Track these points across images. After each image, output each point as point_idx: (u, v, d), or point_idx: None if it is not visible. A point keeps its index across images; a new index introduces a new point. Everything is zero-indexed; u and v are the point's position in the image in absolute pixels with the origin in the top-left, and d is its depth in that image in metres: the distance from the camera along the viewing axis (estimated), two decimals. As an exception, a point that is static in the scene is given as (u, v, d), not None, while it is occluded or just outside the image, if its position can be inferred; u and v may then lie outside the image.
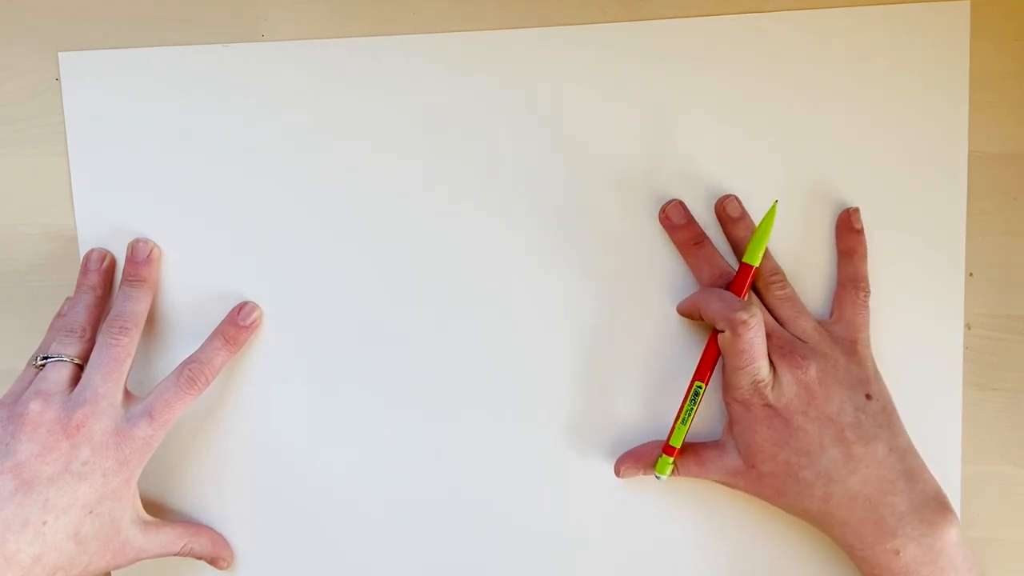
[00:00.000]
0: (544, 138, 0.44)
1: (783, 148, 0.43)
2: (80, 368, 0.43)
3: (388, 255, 0.45)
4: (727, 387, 0.41)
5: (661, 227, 0.44)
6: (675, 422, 0.42)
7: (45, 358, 0.42)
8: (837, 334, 0.42)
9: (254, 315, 0.45)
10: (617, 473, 0.44)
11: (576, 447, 0.45)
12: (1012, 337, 0.44)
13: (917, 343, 0.43)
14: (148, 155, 0.46)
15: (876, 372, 0.42)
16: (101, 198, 0.46)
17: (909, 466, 0.39)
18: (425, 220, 0.45)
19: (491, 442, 0.45)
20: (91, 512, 0.40)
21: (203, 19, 0.45)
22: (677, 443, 0.42)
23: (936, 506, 0.38)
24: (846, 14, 0.43)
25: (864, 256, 0.43)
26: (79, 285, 0.45)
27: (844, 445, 0.39)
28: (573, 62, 0.44)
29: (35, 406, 0.40)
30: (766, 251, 0.42)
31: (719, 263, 0.43)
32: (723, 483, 0.42)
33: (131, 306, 0.44)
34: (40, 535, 0.38)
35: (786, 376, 0.40)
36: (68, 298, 0.46)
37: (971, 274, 0.44)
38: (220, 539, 0.46)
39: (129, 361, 0.43)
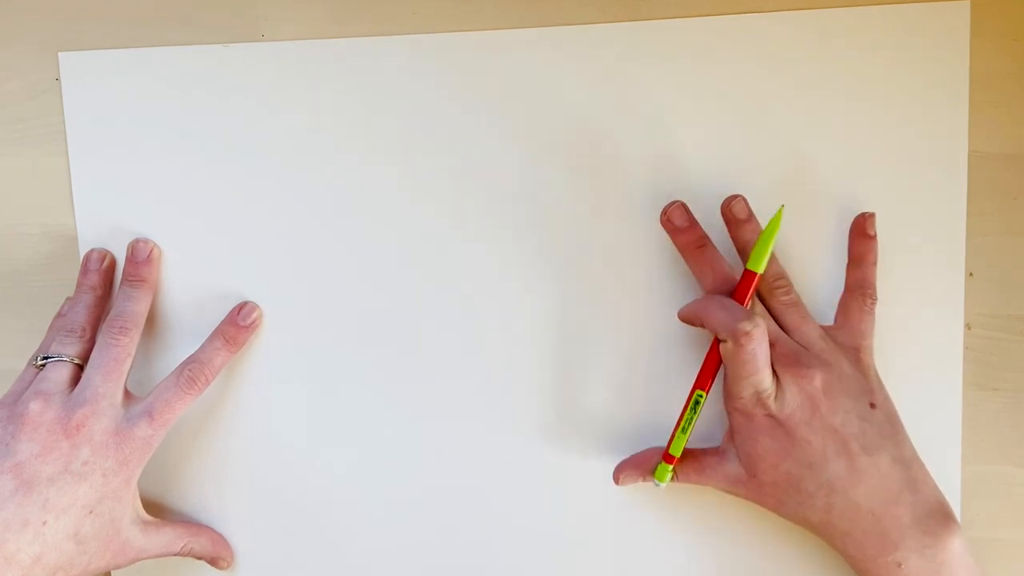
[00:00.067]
0: (544, 138, 0.44)
1: (783, 148, 0.43)
2: (80, 368, 0.43)
3: (388, 255, 0.45)
4: (728, 396, 0.40)
5: (662, 229, 0.43)
6: (675, 430, 0.41)
7: (45, 358, 0.42)
8: (841, 341, 0.41)
9: (254, 315, 0.45)
10: (616, 480, 0.43)
11: (576, 447, 0.45)
12: (1012, 337, 0.44)
13: (917, 343, 0.43)
14: (148, 155, 0.46)
15: (879, 381, 0.41)
16: (101, 198, 0.46)
17: (913, 476, 0.39)
18: (425, 220, 0.45)
19: (491, 443, 0.45)
20: (91, 512, 0.40)
21: (203, 19, 0.45)
22: (677, 452, 0.41)
23: (939, 517, 0.38)
24: (846, 14, 0.43)
25: (874, 263, 0.42)
26: (79, 285, 0.45)
27: (848, 457, 0.38)
28: (573, 62, 0.44)
29: (35, 406, 0.40)
30: (771, 255, 0.41)
31: (722, 267, 0.42)
32: (723, 490, 0.42)
33: (131, 306, 0.44)
34: (40, 535, 0.38)
35: (790, 386, 0.39)
36: (68, 298, 0.46)
37: (971, 274, 0.43)
38: (220, 539, 0.46)
39: (129, 361, 0.43)
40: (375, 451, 0.46)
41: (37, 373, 0.42)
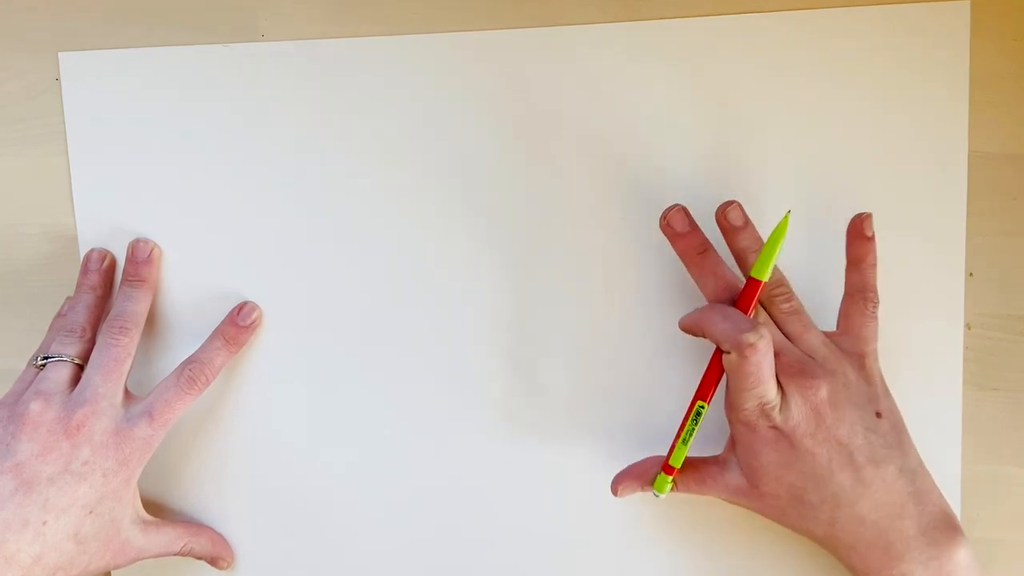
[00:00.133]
0: (544, 139, 0.44)
1: (783, 149, 0.43)
2: (80, 368, 0.43)
3: (388, 255, 0.45)
4: (731, 407, 0.39)
5: (662, 234, 0.42)
6: (675, 441, 0.40)
7: (45, 358, 0.42)
8: (845, 347, 0.40)
9: (254, 315, 0.45)
10: (614, 492, 0.43)
11: (578, 450, 0.45)
12: (1012, 337, 0.44)
13: (917, 343, 0.43)
14: (148, 155, 0.46)
15: (885, 387, 0.40)
16: (101, 198, 0.46)
17: (918, 487, 0.38)
18: (425, 220, 0.45)
19: (491, 443, 0.45)
20: (91, 512, 0.40)
21: (203, 19, 0.45)
22: (677, 463, 0.40)
23: (944, 528, 0.37)
24: (846, 14, 0.42)
25: (873, 265, 0.41)
26: (79, 285, 0.45)
27: (853, 469, 0.38)
28: (573, 62, 0.44)
29: (35, 406, 0.40)
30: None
31: (724, 274, 0.40)
32: (724, 500, 0.41)
33: (131, 306, 0.44)
34: (40, 535, 0.38)
35: (795, 397, 0.38)
36: (68, 298, 0.46)
37: (971, 274, 0.43)
38: (220, 539, 0.46)
39: (129, 361, 0.43)
40: (375, 451, 0.46)
41: (37, 373, 0.42)
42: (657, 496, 0.41)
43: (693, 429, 0.40)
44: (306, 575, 0.47)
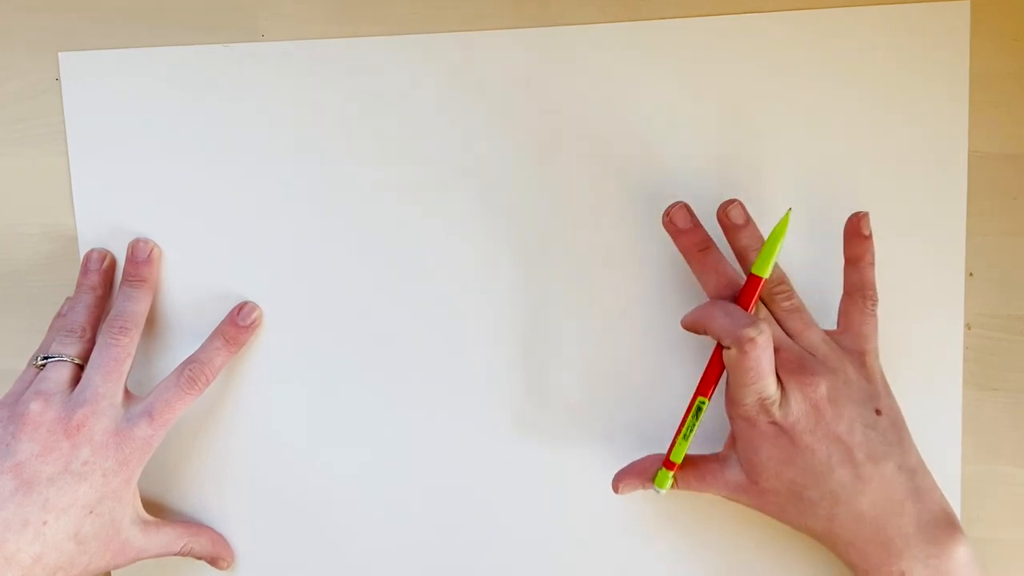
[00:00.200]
0: (544, 139, 0.44)
1: (783, 149, 0.43)
2: (80, 368, 0.43)
3: (388, 255, 0.45)
4: (731, 402, 0.39)
5: (663, 231, 0.43)
6: (676, 437, 0.41)
7: (45, 358, 0.42)
8: (845, 345, 0.40)
9: (254, 315, 0.45)
10: (615, 489, 0.43)
11: (578, 450, 0.45)
12: (1012, 337, 0.44)
13: (917, 343, 0.43)
14: (148, 155, 0.46)
15: (885, 385, 0.40)
16: (101, 198, 0.46)
17: (917, 485, 0.38)
18: (425, 220, 0.45)
19: (491, 443, 0.45)
20: (91, 512, 0.40)
21: (203, 19, 0.45)
22: (678, 459, 0.41)
23: (944, 525, 0.37)
24: (846, 14, 0.42)
25: (871, 263, 0.41)
26: (79, 285, 0.45)
27: (852, 465, 0.38)
28: (573, 62, 0.44)
29: (35, 406, 0.40)
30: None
31: (726, 270, 0.40)
32: (724, 497, 0.41)
33: (131, 306, 0.44)
34: (40, 535, 0.38)
35: (795, 393, 0.38)
36: (68, 298, 0.46)
37: (971, 274, 0.43)
38: (220, 539, 0.46)
39: (129, 361, 0.43)
40: (375, 451, 0.46)
41: (37, 373, 0.42)
42: (658, 492, 0.42)
43: (694, 424, 0.40)
44: (306, 575, 0.47)
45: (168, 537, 0.44)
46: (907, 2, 0.42)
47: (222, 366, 0.44)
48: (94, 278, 0.45)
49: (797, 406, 0.38)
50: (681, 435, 0.41)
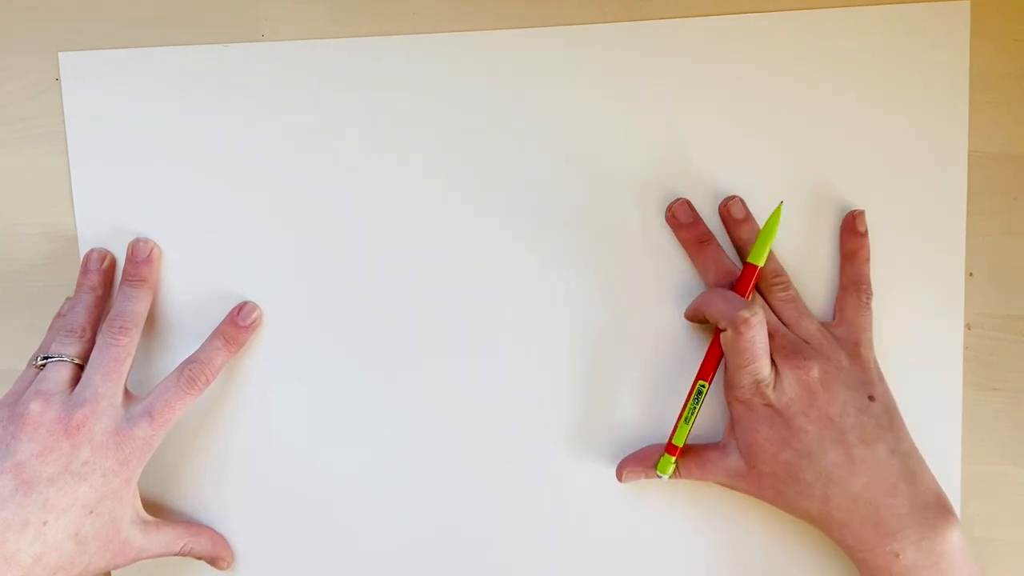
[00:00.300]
0: (544, 138, 0.44)
1: (783, 148, 0.43)
2: (80, 368, 0.42)
3: (388, 255, 0.45)
4: (729, 386, 0.41)
5: (665, 227, 0.44)
6: (678, 421, 0.42)
7: (45, 358, 0.42)
8: (840, 336, 0.42)
9: (254, 315, 0.45)
10: (619, 477, 0.44)
11: (578, 448, 0.45)
12: (1012, 337, 0.44)
13: (917, 343, 0.43)
14: (148, 155, 0.46)
15: (879, 374, 0.42)
16: (101, 198, 0.46)
17: (911, 469, 0.39)
18: (425, 220, 0.45)
19: (492, 443, 0.45)
20: (91, 512, 0.40)
21: (203, 19, 0.45)
22: (680, 442, 0.42)
23: (937, 509, 0.38)
24: (846, 14, 0.43)
25: (867, 259, 0.43)
26: (79, 285, 0.45)
27: (845, 447, 0.39)
28: (573, 62, 0.44)
29: (35, 406, 0.40)
30: (769, 252, 0.42)
31: (725, 263, 0.42)
32: (724, 485, 0.42)
33: (131, 306, 0.44)
34: (40, 535, 0.38)
35: (788, 376, 0.40)
36: (68, 298, 0.46)
37: (971, 274, 0.44)
38: (220, 539, 0.46)
39: (129, 361, 0.43)
40: (375, 451, 0.46)
41: (37, 373, 0.42)
42: (660, 477, 0.42)
43: (695, 408, 0.42)
44: (306, 575, 0.47)
45: (168, 537, 0.44)
46: (907, 2, 0.42)
47: (222, 366, 0.44)
48: (94, 278, 0.45)
49: (791, 388, 0.40)
50: (682, 419, 0.42)
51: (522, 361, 0.45)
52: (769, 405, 0.40)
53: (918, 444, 0.40)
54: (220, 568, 0.46)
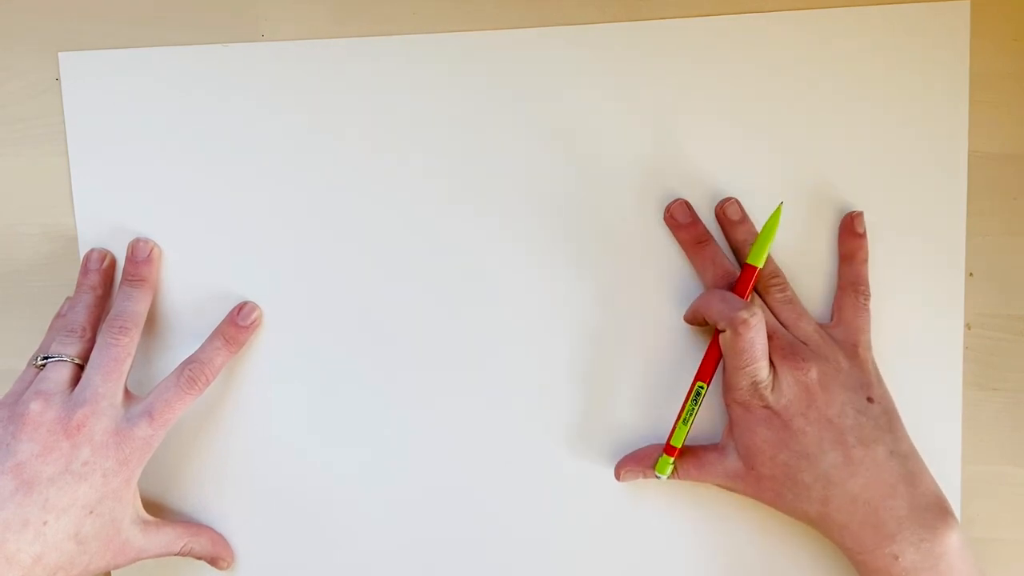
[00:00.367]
0: (544, 138, 0.44)
1: (783, 148, 0.43)
2: (80, 368, 0.42)
3: (388, 255, 0.45)
4: (727, 388, 0.41)
5: (664, 228, 0.44)
6: (676, 422, 0.42)
7: (45, 358, 0.42)
8: (838, 337, 0.42)
9: (254, 315, 0.45)
10: (617, 476, 0.44)
11: (577, 449, 0.45)
12: (1012, 337, 0.44)
13: (917, 343, 0.43)
14: (148, 155, 0.46)
15: (878, 375, 0.41)
16: (101, 198, 0.46)
17: (910, 470, 0.39)
18: (425, 221, 0.45)
19: (492, 443, 0.45)
20: (91, 512, 0.40)
21: (203, 19, 0.45)
22: (678, 443, 0.42)
23: (936, 511, 0.38)
24: (846, 14, 0.43)
25: (865, 260, 0.43)
26: (79, 285, 0.45)
27: (843, 448, 0.39)
28: (573, 62, 0.44)
29: (36, 406, 0.40)
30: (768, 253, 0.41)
31: (723, 263, 0.42)
32: (723, 486, 0.42)
33: (131, 306, 0.44)
34: (40, 535, 0.38)
35: (786, 377, 0.40)
36: (68, 298, 0.46)
37: (971, 274, 0.43)
38: (220, 539, 0.46)
39: (129, 361, 0.43)
40: (375, 451, 0.46)
41: (37, 373, 0.42)
42: (659, 478, 0.42)
43: (693, 409, 0.42)
44: (306, 575, 0.47)
45: (168, 537, 0.44)
46: (907, 2, 0.42)
47: (222, 366, 0.44)
48: (94, 278, 0.45)
49: (789, 390, 0.40)
50: (681, 420, 0.42)
51: (522, 361, 0.45)
52: (767, 407, 0.40)
53: (918, 444, 0.40)
54: (220, 568, 0.46)
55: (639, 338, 0.44)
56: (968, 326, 0.44)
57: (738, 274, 0.42)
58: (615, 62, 0.44)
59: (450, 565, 0.46)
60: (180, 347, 0.45)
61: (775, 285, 0.42)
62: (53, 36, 0.46)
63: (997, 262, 0.43)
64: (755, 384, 0.40)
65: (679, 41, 0.43)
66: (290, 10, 0.45)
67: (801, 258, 0.44)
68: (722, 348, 0.41)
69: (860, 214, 0.43)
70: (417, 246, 0.45)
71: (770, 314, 0.42)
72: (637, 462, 0.44)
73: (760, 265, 0.41)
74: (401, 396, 0.46)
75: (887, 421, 0.40)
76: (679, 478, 0.43)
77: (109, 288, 0.46)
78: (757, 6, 0.43)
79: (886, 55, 0.43)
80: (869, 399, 0.40)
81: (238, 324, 0.45)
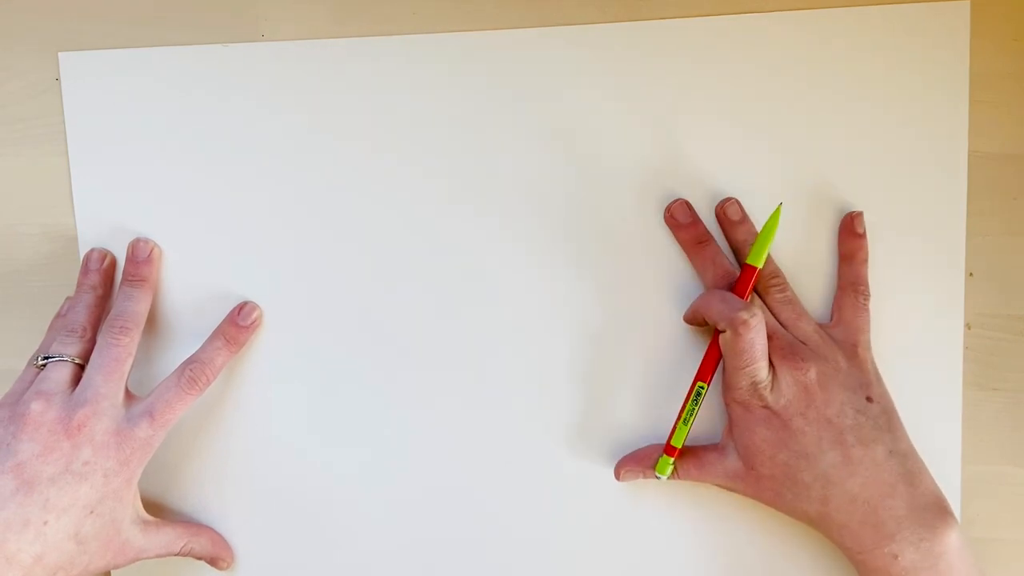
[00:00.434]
0: (544, 138, 0.44)
1: (783, 148, 0.43)
2: (81, 368, 0.43)
3: (388, 255, 0.45)
4: (727, 388, 0.41)
5: (664, 228, 0.44)
6: (676, 422, 0.42)
7: (46, 358, 0.42)
8: (838, 337, 0.42)
9: (254, 315, 0.45)
10: (617, 476, 0.44)
11: (577, 449, 0.45)
12: (1012, 337, 0.44)
13: (917, 343, 0.43)
14: (148, 155, 0.46)
15: (877, 375, 0.42)
16: (101, 198, 0.46)
17: (909, 470, 0.39)
18: (425, 221, 0.45)
19: (492, 443, 0.45)
20: (92, 512, 0.40)
21: (203, 19, 0.45)
22: (678, 443, 0.42)
23: (936, 510, 0.38)
24: (846, 14, 0.43)
25: (865, 260, 0.43)
26: (79, 285, 0.45)
27: (843, 447, 0.39)
28: (573, 62, 0.44)
29: (36, 406, 0.40)
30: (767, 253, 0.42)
31: (723, 263, 0.42)
32: (722, 486, 0.42)
33: (131, 306, 0.44)
34: (41, 535, 0.38)
35: (786, 377, 0.40)
36: (68, 298, 0.46)
37: (971, 274, 0.44)
38: (220, 539, 0.46)
39: (130, 361, 0.43)
40: (375, 451, 0.46)
41: (38, 373, 0.42)
42: (659, 478, 0.42)
43: (693, 409, 0.42)
44: (306, 575, 0.47)
45: (168, 537, 0.44)
46: (907, 2, 0.42)
47: (223, 366, 0.44)
48: (94, 278, 0.45)
49: (788, 390, 0.40)
50: (681, 420, 0.42)
51: (522, 361, 0.45)
52: (767, 407, 0.40)
53: (918, 444, 0.40)
54: (220, 568, 0.46)
55: (639, 338, 0.44)
56: (968, 326, 0.44)
57: (738, 274, 0.42)
58: (615, 62, 0.44)
59: (450, 565, 0.46)
60: (180, 347, 0.45)
61: (775, 285, 0.42)
62: (53, 36, 0.46)
63: (997, 262, 0.43)
64: (755, 384, 0.40)
65: (679, 41, 0.43)
66: (290, 10, 0.45)
67: (801, 258, 0.44)
68: (722, 348, 0.41)
69: (860, 214, 0.43)
70: (417, 246, 0.45)
71: (770, 314, 0.42)
72: (637, 462, 0.44)
73: (760, 265, 0.41)
74: (401, 396, 0.46)
75: (886, 421, 0.40)
76: (679, 478, 0.43)
77: (109, 288, 0.46)
78: (757, 6, 0.43)
79: (886, 55, 0.43)
80: (868, 399, 0.40)
81: (238, 324, 0.45)
